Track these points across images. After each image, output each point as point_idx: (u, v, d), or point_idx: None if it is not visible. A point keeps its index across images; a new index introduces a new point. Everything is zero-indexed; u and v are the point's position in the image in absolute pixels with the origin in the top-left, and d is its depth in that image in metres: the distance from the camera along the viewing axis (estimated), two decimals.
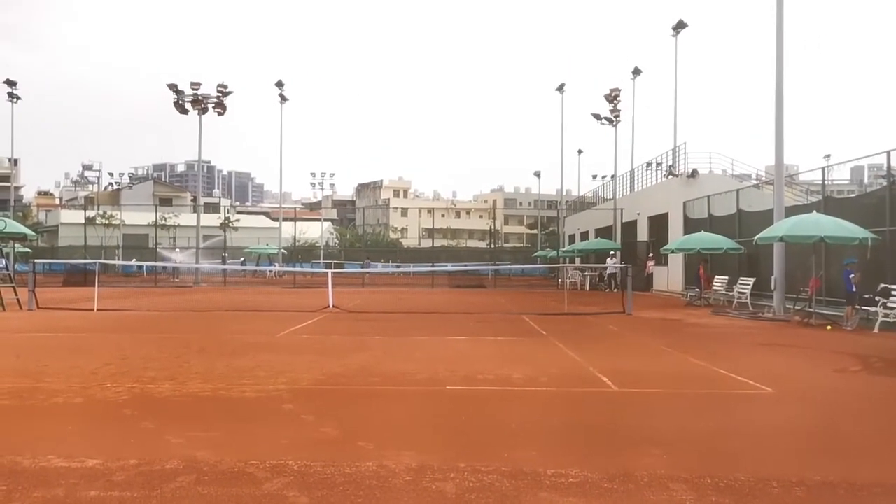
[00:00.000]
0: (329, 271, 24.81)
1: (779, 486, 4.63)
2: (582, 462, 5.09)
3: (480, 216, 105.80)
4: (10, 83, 45.89)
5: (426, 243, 70.21)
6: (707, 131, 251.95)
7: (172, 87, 41.36)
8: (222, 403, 7.26)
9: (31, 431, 6.10)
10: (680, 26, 36.80)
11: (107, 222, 61.04)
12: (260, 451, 5.31)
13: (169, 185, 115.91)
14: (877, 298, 15.01)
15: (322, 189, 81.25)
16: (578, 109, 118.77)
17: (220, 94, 41.85)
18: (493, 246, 60.25)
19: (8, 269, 22.22)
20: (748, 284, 21.52)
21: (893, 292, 14.89)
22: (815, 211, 17.63)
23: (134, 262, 45.82)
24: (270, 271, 48.25)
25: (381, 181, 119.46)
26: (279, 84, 49.92)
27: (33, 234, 27.07)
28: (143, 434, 5.94)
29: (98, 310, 18.97)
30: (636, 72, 42.14)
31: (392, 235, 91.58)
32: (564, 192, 64.24)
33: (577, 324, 16.62)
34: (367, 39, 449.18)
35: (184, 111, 41.62)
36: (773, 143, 19.40)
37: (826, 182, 20.95)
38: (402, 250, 74.87)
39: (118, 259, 48.56)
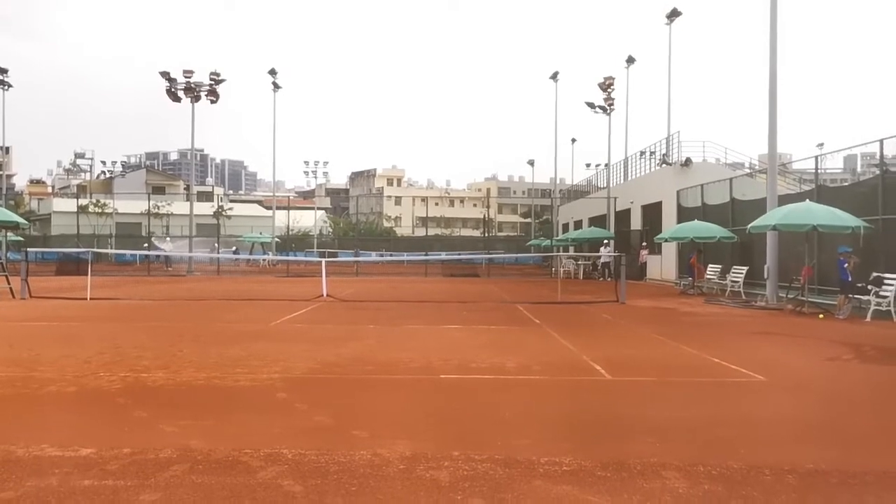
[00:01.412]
0: (323, 260, 24.79)
1: (771, 473, 4.65)
2: (575, 450, 5.10)
3: (474, 205, 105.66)
4: (2, 70, 45.48)
5: (420, 232, 70.11)
6: (701, 120, 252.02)
7: (165, 74, 41.12)
8: (216, 392, 7.26)
9: (25, 420, 6.09)
10: (674, 14, 36.79)
11: (99, 211, 60.82)
12: (254, 440, 5.31)
13: (162, 173, 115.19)
14: (869, 287, 15.07)
15: (315, 177, 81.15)
16: (572, 98, 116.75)
17: (212, 82, 41.62)
18: (486, 235, 60.30)
19: (0, 258, 22.06)
20: (741, 273, 21.60)
21: (886, 281, 14.96)
22: (808, 200, 17.66)
23: (142, 252, 45.08)
24: (264, 260, 48.15)
25: (375, 170, 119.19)
26: (272, 72, 49.65)
27: (25, 222, 26.91)
28: (136, 423, 5.94)
29: (91, 298, 18.93)
30: (630, 60, 42.12)
31: (386, 224, 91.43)
32: (558, 181, 64.21)
33: (570, 312, 16.65)
34: (361, 28, 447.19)
35: (176, 99, 41.38)
36: (767, 132, 19.42)
37: (819, 171, 20.99)
38: (396, 239, 74.76)
39: (111, 248, 48.29)
